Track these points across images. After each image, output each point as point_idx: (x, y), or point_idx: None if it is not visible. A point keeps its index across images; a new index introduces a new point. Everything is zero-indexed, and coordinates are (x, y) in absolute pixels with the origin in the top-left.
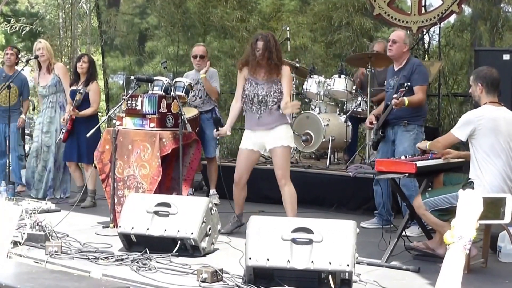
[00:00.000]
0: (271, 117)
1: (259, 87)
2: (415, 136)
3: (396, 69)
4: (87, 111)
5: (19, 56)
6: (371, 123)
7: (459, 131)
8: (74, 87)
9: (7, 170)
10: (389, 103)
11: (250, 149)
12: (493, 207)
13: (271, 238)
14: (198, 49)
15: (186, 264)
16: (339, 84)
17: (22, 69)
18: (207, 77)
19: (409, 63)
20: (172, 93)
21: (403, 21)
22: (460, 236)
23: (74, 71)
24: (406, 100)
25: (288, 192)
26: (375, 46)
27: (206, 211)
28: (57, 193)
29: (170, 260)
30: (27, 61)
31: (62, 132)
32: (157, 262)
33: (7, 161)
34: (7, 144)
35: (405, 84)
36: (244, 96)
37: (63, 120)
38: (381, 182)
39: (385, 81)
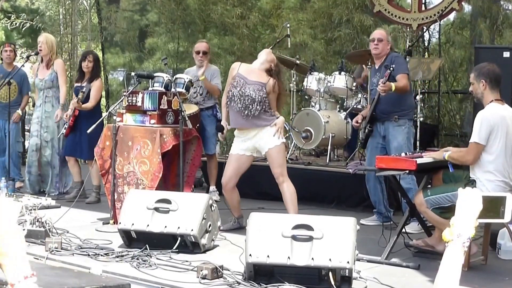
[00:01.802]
0: (259, 120)
1: (247, 87)
2: (408, 131)
3: (377, 67)
4: (87, 105)
5: (17, 52)
6: (357, 122)
7: (483, 137)
8: (78, 84)
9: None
10: (374, 97)
11: (241, 154)
12: (493, 205)
13: (272, 235)
14: (201, 45)
15: (186, 261)
16: (339, 81)
17: (23, 65)
18: (209, 75)
19: (388, 58)
20: (173, 90)
21: (403, 19)
22: (459, 234)
23: (79, 68)
24: (393, 85)
25: (287, 189)
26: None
27: (206, 208)
28: (59, 188)
29: (170, 257)
30: (27, 57)
31: (65, 128)
32: (157, 258)
33: (8, 158)
34: (8, 140)
35: (390, 66)
36: (230, 93)
37: (66, 115)
38: (372, 180)
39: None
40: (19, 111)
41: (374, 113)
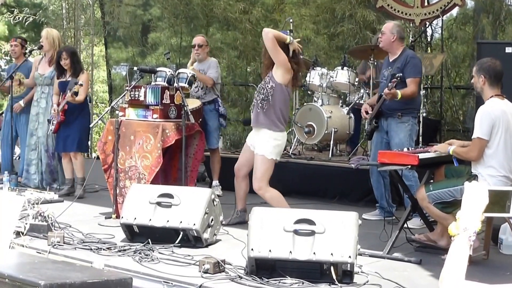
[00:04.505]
0: (258, 116)
1: (262, 83)
2: (410, 128)
3: (390, 60)
4: (80, 99)
5: (25, 46)
6: (366, 112)
7: (485, 132)
8: (62, 79)
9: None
10: (382, 93)
11: (248, 145)
12: (499, 200)
13: (274, 229)
14: (197, 38)
15: (189, 255)
16: (342, 76)
17: (26, 60)
18: (206, 67)
19: (403, 55)
20: (175, 84)
21: (406, 14)
22: (465, 228)
23: (57, 64)
24: (399, 93)
25: (270, 198)
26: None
27: (209, 202)
28: (57, 184)
29: (172, 251)
30: (30, 52)
31: (53, 124)
32: (159, 253)
33: (11, 151)
34: (11, 134)
35: (397, 75)
36: None
37: (54, 110)
38: (375, 174)
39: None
40: (21, 102)
41: (380, 109)
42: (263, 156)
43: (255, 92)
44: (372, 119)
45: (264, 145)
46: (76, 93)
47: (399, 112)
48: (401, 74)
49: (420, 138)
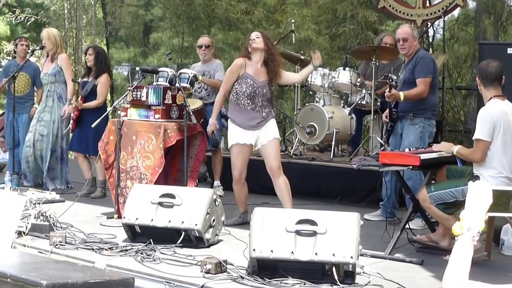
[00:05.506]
0: (262, 117)
1: (259, 88)
2: (421, 130)
3: (406, 62)
4: (91, 104)
5: (30, 47)
6: (386, 116)
7: (486, 134)
8: (85, 79)
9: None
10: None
11: (242, 144)
12: (502, 199)
13: (275, 229)
14: (203, 39)
15: (190, 255)
16: (344, 76)
17: (28, 59)
18: (212, 69)
19: (415, 56)
20: (177, 85)
21: (407, 14)
22: (468, 227)
23: (86, 64)
24: (401, 94)
25: (284, 181)
26: (385, 38)
27: (210, 203)
28: (57, 183)
29: (174, 251)
30: (32, 51)
31: (71, 123)
32: (161, 253)
33: (13, 151)
34: (13, 134)
35: (390, 78)
36: (240, 93)
37: (70, 109)
38: (388, 175)
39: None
40: (37, 105)
41: (394, 111)
42: (277, 139)
43: (248, 98)
44: (389, 122)
45: (274, 130)
46: (76, 92)
47: (411, 113)
48: (394, 77)
49: None
